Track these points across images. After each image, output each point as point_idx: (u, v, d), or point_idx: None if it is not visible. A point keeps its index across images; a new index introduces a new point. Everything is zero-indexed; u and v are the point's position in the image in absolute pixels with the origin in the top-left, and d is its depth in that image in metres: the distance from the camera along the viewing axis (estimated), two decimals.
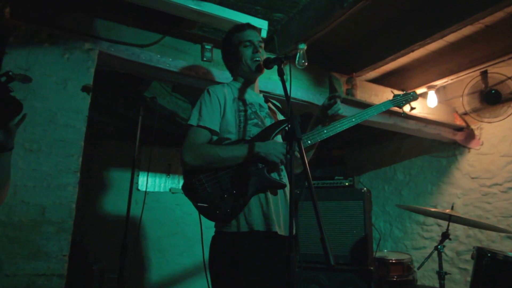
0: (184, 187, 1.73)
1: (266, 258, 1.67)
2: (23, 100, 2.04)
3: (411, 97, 2.25)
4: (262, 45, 1.99)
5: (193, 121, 1.79)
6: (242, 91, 1.94)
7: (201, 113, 1.79)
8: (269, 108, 2.00)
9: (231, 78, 2.07)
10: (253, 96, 1.97)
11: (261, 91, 2.17)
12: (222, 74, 2.69)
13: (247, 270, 1.61)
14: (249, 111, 1.85)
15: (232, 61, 2.01)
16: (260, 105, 1.94)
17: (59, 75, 2.18)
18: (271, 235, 1.68)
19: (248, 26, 2.00)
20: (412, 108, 2.26)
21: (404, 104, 2.23)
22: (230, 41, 1.99)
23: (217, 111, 1.82)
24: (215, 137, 1.82)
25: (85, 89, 2.21)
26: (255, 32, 2.00)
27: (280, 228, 1.72)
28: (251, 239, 1.66)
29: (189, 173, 1.72)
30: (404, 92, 2.28)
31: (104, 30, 2.38)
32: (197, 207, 1.68)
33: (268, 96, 2.07)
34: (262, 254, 1.66)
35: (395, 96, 2.23)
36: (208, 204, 1.66)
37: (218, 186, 1.69)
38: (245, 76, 1.98)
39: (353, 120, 1.95)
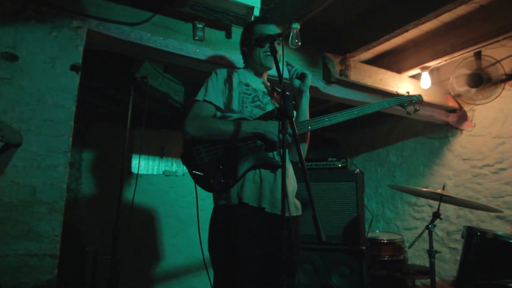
0: (182, 156, 1.80)
1: (259, 232, 1.72)
2: (10, 79, 2.01)
3: (415, 99, 2.33)
4: (280, 43, 1.97)
5: (199, 96, 1.89)
6: (248, 78, 2.01)
7: (207, 90, 1.90)
8: (274, 97, 2.06)
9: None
10: (259, 84, 2.03)
11: None
12: (214, 53, 2.64)
13: (242, 242, 1.68)
14: (252, 95, 1.94)
15: (248, 48, 2.07)
16: (264, 93, 2.00)
17: (47, 53, 2.12)
18: (261, 211, 1.74)
19: (272, 21, 2.07)
20: (416, 110, 2.36)
21: (408, 105, 2.32)
22: (253, 30, 2.05)
23: (222, 90, 1.91)
24: (218, 113, 1.90)
25: (74, 68, 2.16)
26: (278, 30, 2.04)
27: (273, 207, 1.76)
28: (244, 212, 1.72)
29: (189, 143, 1.79)
30: (409, 93, 2.38)
31: (93, 8, 2.31)
32: (192, 175, 1.74)
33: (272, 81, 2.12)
34: (256, 228, 1.72)
35: (399, 95, 2.34)
36: (203, 173, 1.73)
37: (215, 158, 1.76)
38: (254, 67, 2.06)
39: (355, 112, 2.01)
